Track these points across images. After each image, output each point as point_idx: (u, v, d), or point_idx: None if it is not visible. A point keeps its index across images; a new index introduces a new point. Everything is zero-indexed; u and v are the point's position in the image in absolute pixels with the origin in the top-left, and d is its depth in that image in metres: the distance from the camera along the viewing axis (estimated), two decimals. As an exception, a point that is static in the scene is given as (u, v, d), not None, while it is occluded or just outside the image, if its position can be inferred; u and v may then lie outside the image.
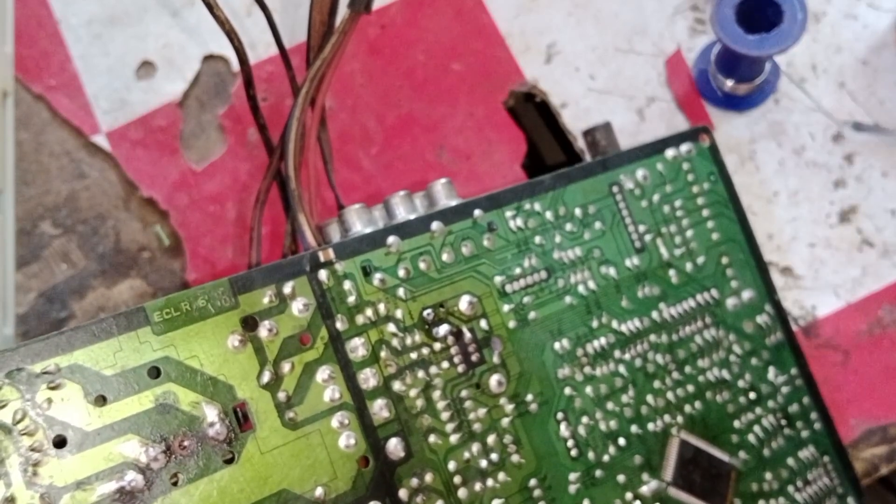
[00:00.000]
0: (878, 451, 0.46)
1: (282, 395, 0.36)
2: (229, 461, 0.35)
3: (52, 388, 0.33)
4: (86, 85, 0.53)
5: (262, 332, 0.36)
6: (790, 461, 0.45)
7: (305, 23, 0.48)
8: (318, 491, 0.36)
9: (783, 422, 0.46)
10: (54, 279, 0.48)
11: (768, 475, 0.44)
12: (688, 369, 0.44)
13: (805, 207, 0.48)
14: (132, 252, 0.52)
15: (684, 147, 0.47)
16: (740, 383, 0.45)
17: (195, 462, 0.34)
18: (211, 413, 0.35)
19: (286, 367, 0.36)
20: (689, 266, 0.46)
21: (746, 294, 0.46)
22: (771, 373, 0.46)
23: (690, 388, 0.44)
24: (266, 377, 0.36)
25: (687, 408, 0.44)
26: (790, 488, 0.45)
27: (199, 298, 0.35)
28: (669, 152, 0.46)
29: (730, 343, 0.45)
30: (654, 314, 0.44)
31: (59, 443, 0.33)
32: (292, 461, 0.36)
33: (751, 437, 0.45)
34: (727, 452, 0.44)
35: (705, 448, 0.44)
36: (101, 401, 0.33)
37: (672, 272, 0.45)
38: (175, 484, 0.34)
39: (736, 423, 0.44)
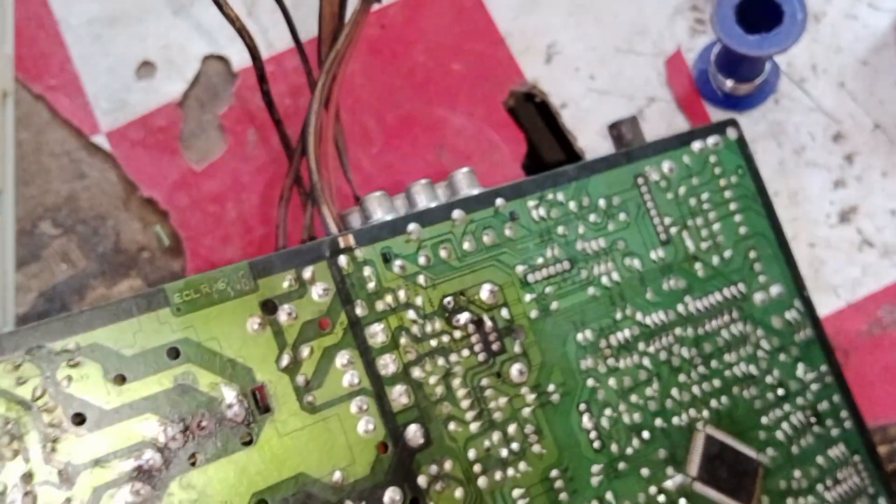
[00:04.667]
0: (878, 451, 0.48)
1: (300, 379, 0.36)
2: (247, 443, 0.35)
3: (72, 366, 0.34)
4: (86, 85, 0.54)
5: (282, 315, 0.37)
6: (819, 459, 0.45)
7: (305, 22, 0.51)
8: (337, 475, 0.36)
9: (812, 419, 0.46)
10: (54, 279, 0.49)
11: (797, 473, 0.45)
12: (714, 364, 0.45)
13: (805, 207, 0.49)
14: (132, 252, 0.53)
15: (711, 140, 0.47)
16: (768, 379, 0.45)
17: (213, 443, 0.35)
18: (229, 395, 0.36)
19: (305, 351, 0.37)
20: (715, 260, 0.46)
21: (775, 289, 0.46)
22: (800, 369, 0.46)
23: (717, 382, 0.44)
24: (285, 360, 0.36)
25: (713, 402, 0.44)
26: (819, 487, 0.45)
27: (218, 281, 0.36)
28: (696, 145, 0.47)
29: (757, 338, 0.45)
30: (680, 307, 0.45)
31: (78, 420, 0.34)
32: (311, 445, 0.37)
33: (779, 434, 0.45)
34: (754, 449, 0.44)
35: (732, 444, 0.44)
36: (121, 380, 0.34)
37: (698, 265, 0.46)
38: (193, 464, 0.35)
39: (763, 420, 0.44)
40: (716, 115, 0.50)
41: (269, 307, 0.37)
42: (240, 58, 0.53)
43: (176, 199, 0.53)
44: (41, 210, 0.53)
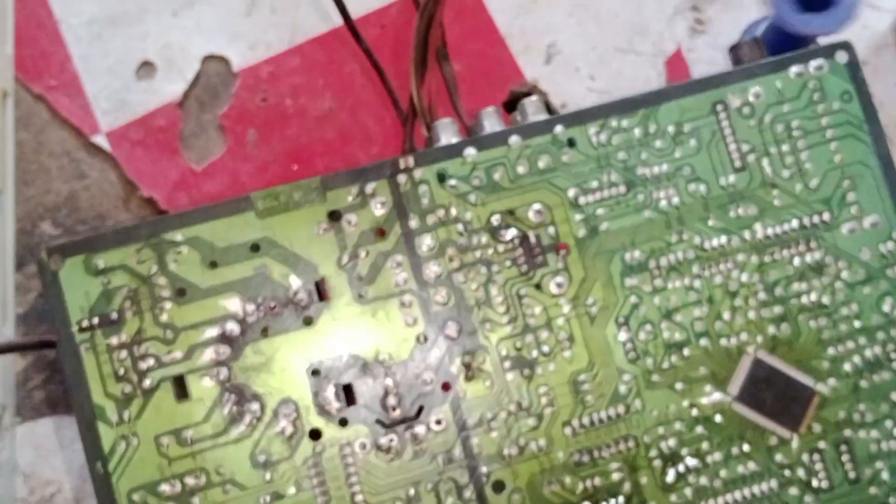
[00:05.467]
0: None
1: (356, 275, 0.49)
2: (308, 323, 0.48)
3: (178, 253, 0.47)
4: (86, 85, 0.58)
5: (345, 223, 0.49)
6: (894, 396, 0.50)
7: (305, 23, 0.56)
8: (381, 356, 0.48)
9: (893, 355, 0.49)
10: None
11: (861, 406, 0.49)
12: (778, 291, 0.50)
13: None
14: None
15: (814, 63, 0.52)
16: (844, 311, 0.50)
17: (281, 320, 0.48)
18: (296, 283, 0.48)
19: (362, 253, 0.49)
20: (798, 187, 0.51)
21: (869, 220, 0.51)
22: (887, 304, 0.50)
23: (778, 309, 0.50)
24: (344, 259, 0.49)
25: (771, 329, 0.50)
26: (888, 423, 0.49)
27: (294, 192, 0.48)
28: (794, 69, 0.51)
29: (838, 269, 0.50)
30: (746, 234, 0.50)
31: (180, 293, 0.47)
32: (360, 330, 0.48)
33: (847, 367, 0.49)
34: (813, 378, 0.49)
35: (784, 370, 0.48)
36: (213, 265, 0.47)
37: (776, 192, 0.51)
38: (264, 335, 0.48)
39: (830, 351, 0.50)
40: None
41: (334, 216, 0.49)
42: (240, 58, 0.59)
43: (176, 198, 0.57)
44: (41, 210, 0.56)
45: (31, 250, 0.54)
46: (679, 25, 0.57)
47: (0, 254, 0.54)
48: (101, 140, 0.56)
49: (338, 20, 0.55)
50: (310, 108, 0.56)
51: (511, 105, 0.56)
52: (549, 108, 0.56)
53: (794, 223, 0.50)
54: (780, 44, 0.54)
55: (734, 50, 0.51)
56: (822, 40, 0.54)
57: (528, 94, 0.56)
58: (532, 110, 0.50)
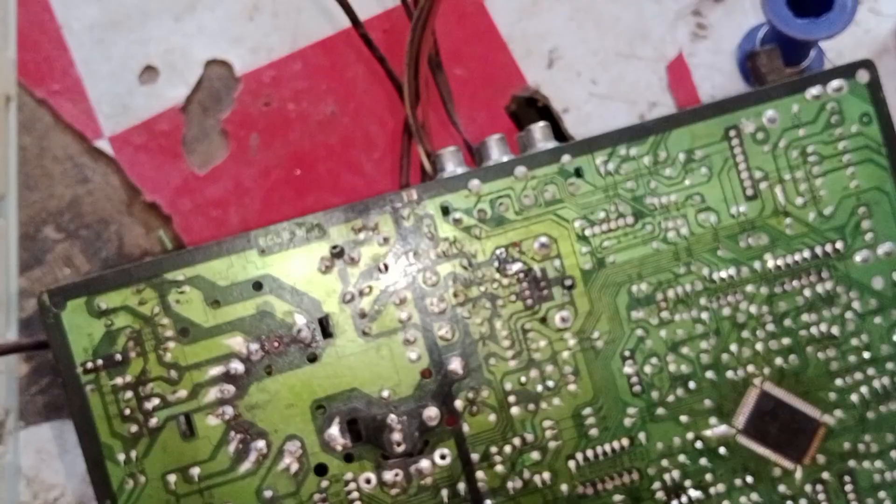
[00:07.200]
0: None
1: (359, 312, 0.48)
2: (312, 360, 0.48)
3: (180, 293, 0.47)
4: (88, 90, 0.58)
5: (347, 259, 0.48)
6: None
7: (307, 27, 0.56)
8: (385, 393, 0.49)
9: None
10: (57, 284, 0.51)
11: (867, 437, 0.49)
12: (787, 322, 0.50)
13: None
14: (135, 257, 0.57)
15: (834, 84, 0.51)
16: (853, 342, 0.50)
17: (285, 358, 0.47)
18: (300, 321, 0.48)
19: (365, 288, 0.49)
20: (811, 216, 0.51)
21: (884, 248, 0.51)
22: None
23: (786, 341, 0.50)
24: (347, 296, 0.49)
25: (778, 360, 0.49)
26: (894, 453, 0.49)
27: (297, 228, 0.48)
28: (812, 91, 0.51)
29: (849, 299, 0.50)
30: (756, 264, 0.50)
31: (183, 333, 0.47)
32: (364, 366, 0.49)
33: (854, 398, 0.49)
34: (819, 409, 0.49)
35: (790, 402, 0.48)
36: (216, 304, 0.48)
37: (788, 222, 0.51)
38: (268, 373, 0.48)
39: (838, 382, 0.50)
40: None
41: (337, 252, 0.48)
42: (242, 62, 0.60)
43: (179, 203, 0.58)
44: (44, 215, 0.57)
45: (35, 255, 0.54)
46: (681, 30, 0.57)
47: (3, 259, 0.54)
48: (103, 144, 0.56)
49: (340, 24, 0.55)
50: (312, 113, 0.56)
51: (513, 112, 0.56)
52: (551, 115, 0.56)
53: (806, 253, 0.50)
54: (781, 49, 0.52)
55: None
56: (825, 44, 0.54)
57: (530, 99, 0.57)
58: (539, 136, 0.50)
